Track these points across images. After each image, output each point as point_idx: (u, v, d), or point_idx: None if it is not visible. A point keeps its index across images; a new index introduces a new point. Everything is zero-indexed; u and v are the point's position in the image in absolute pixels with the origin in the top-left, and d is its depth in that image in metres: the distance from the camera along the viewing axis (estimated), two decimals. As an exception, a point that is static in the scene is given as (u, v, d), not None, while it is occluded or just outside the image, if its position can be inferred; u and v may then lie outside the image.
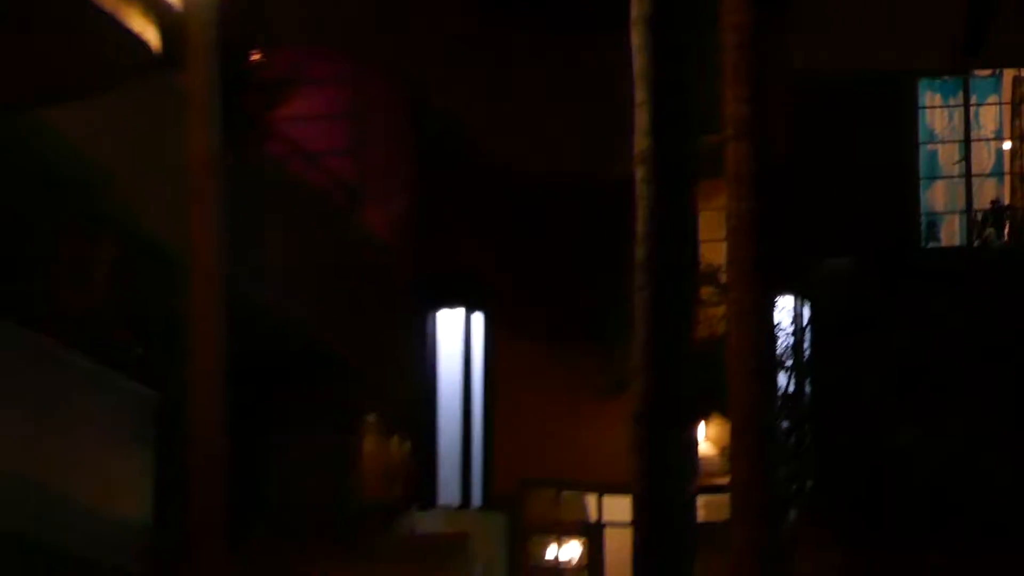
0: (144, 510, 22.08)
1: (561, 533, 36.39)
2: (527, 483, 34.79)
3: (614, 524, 33.85)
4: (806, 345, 25.73)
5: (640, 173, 16.70)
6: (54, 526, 20.18)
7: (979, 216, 30.21)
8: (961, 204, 31.33)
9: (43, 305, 22.17)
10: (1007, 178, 30.90)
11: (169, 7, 19.89)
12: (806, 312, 26.00)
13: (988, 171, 31.71)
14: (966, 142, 30.93)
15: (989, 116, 31.39)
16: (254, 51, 28.43)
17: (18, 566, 19.94)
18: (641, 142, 16.90)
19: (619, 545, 30.79)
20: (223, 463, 19.55)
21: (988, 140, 31.89)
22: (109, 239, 23.96)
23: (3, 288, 21.33)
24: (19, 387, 20.07)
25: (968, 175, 31.59)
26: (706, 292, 21.43)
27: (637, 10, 16.83)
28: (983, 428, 23.06)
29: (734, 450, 19.83)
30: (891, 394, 23.34)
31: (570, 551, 36.71)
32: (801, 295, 25.67)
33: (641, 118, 16.97)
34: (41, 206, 23.31)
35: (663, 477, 16.53)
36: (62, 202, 23.76)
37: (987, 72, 31.33)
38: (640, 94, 16.99)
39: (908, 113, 31.55)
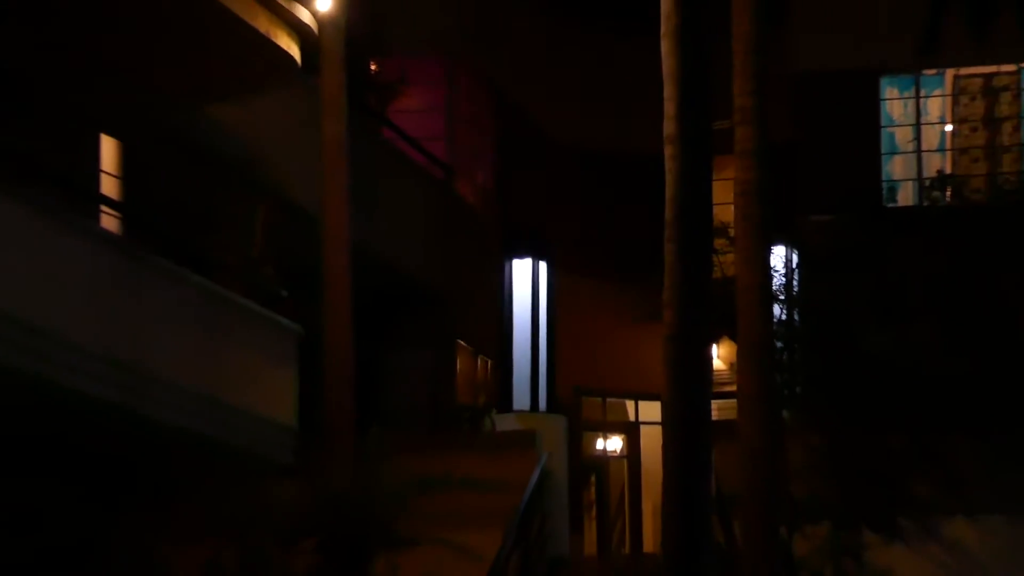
0: (291, 414, 22.47)
1: (607, 430, 36.98)
2: (580, 391, 34.73)
3: (648, 423, 34.43)
4: (795, 282, 25.59)
5: (668, 151, 17.26)
6: (229, 428, 20.83)
7: (927, 183, 30.18)
8: (913, 174, 30.74)
9: (214, 258, 22.68)
10: (948, 154, 30.87)
11: (309, 29, 21.29)
12: (795, 257, 25.95)
13: (935, 148, 31.15)
14: (917, 125, 30.79)
15: (935, 105, 31.22)
16: (372, 60, 29.01)
17: (202, 458, 20.66)
18: (669, 127, 17.47)
19: (651, 439, 31.52)
20: (352, 376, 21.07)
21: (934, 124, 31.61)
22: (265, 206, 24.56)
23: (183, 244, 21.92)
24: (196, 320, 20.74)
25: (919, 151, 31.78)
26: (719, 243, 21.44)
27: (666, 26, 17.15)
28: (935, 338, 22.87)
29: (741, 364, 18.83)
30: (860, 317, 23.16)
31: (614, 444, 37.24)
32: (791, 244, 25.74)
33: (669, 108, 17.47)
34: (213, 180, 23.96)
35: (686, 385, 15.48)
36: (230, 177, 24.27)
37: (933, 71, 30.75)
38: (668, 89, 17.43)
39: (873, 103, 31.62)
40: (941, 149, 31.66)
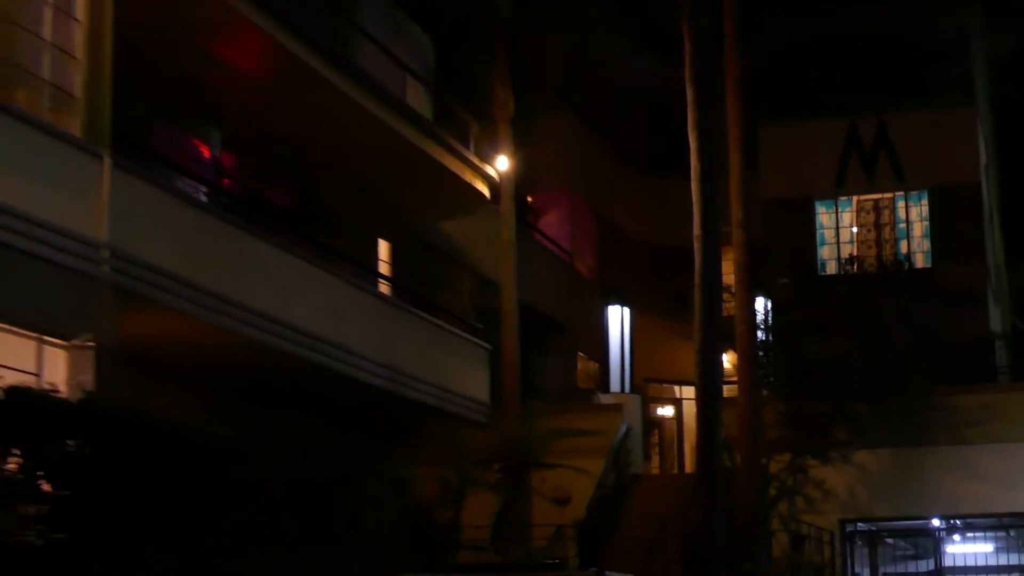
0: (485, 393, 22.75)
1: (663, 403, 34.73)
2: (647, 380, 33.03)
3: (687, 399, 31.34)
4: (769, 318, 24.06)
5: (696, 244, 17.89)
6: (450, 403, 21.38)
7: (843, 261, 28.15)
8: (835, 255, 28.44)
9: (442, 307, 22.63)
10: (855, 244, 28.39)
11: (494, 179, 22.40)
12: (768, 304, 24.24)
13: (846, 240, 28.77)
14: (836, 228, 28.98)
15: (846, 216, 28.93)
16: (528, 194, 28.41)
17: (436, 418, 20.84)
18: (696, 229, 18.26)
19: (689, 408, 28.41)
20: (517, 372, 21.59)
21: (845, 227, 28.58)
22: (470, 277, 25.32)
23: (426, 299, 22.41)
24: (432, 342, 21.09)
25: (838, 242, 28.90)
26: (725, 296, 20.69)
27: (693, 173, 17.32)
28: (847, 347, 21.96)
29: (738, 365, 21.14)
30: (805, 337, 22.66)
31: (667, 411, 35.17)
32: (766, 296, 23.98)
33: (696, 220, 20.46)
34: (441, 263, 24.21)
35: (708, 376, 17.51)
36: (450, 261, 24.84)
37: (845, 196, 28.93)
38: (696, 209, 20.52)
39: (810, 215, 29.64)
40: (850, 241, 30.00)
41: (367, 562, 16.54)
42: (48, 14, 13.09)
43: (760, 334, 23.73)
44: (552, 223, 30.26)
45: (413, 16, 23.67)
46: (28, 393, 9.28)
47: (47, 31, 13.04)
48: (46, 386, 10.68)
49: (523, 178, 25.07)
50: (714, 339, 18.02)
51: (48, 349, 12.47)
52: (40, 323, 12.41)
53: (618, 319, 30.51)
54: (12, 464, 8.56)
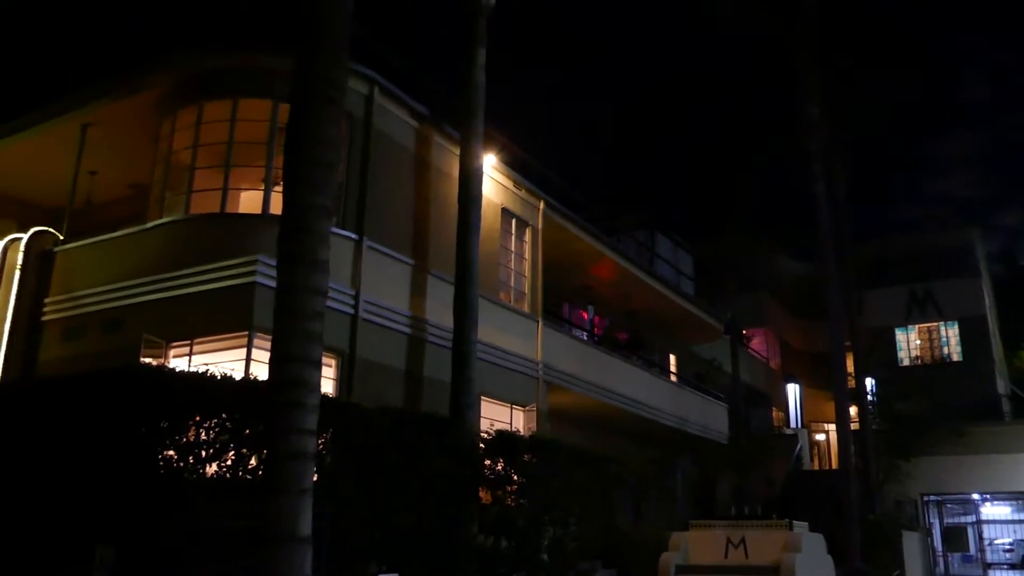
0: (725, 428, 27.03)
1: (819, 432, 37.11)
2: (810, 421, 36.08)
3: (831, 431, 35.00)
4: (874, 388, 28.70)
5: (833, 354, 21.24)
6: (708, 433, 25.49)
7: (912, 358, 36.05)
8: (908, 355, 36.75)
9: (701, 385, 26.32)
10: (918, 349, 36.54)
11: (721, 325, 26.58)
12: (873, 381, 29.30)
13: (914, 347, 36.57)
14: (907, 341, 36.55)
15: (912, 335, 36.24)
16: (744, 329, 31.06)
17: (699, 443, 24.73)
18: (832, 347, 21.36)
19: (831, 436, 33.96)
20: (741, 417, 25.75)
21: (914, 341, 36.18)
22: (716, 370, 28.75)
23: (693, 383, 25.69)
24: (698, 404, 25.63)
25: (908, 349, 36.38)
26: (850, 377, 23.73)
27: (831, 313, 21.13)
28: (920, 404, 27.00)
29: (859, 413, 23.44)
30: (894, 399, 27.84)
31: (820, 437, 36.93)
32: (873, 377, 28.76)
33: (832, 342, 21.36)
34: (697, 365, 28.23)
35: (842, 419, 21.60)
36: (706, 363, 28.92)
37: (911, 325, 35.85)
38: (831, 333, 21.47)
39: (893, 336, 36.57)
40: (915, 348, 35.50)
41: (672, 514, 20.97)
42: (512, 257, 17.46)
43: (870, 397, 27.03)
44: (756, 342, 34.57)
45: (681, 246, 29.46)
46: (507, 433, 12.32)
47: (513, 265, 17.48)
48: (515, 430, 14.40)
49: (736, 321, 29.44)
50: (844, 400, 21.78)
51: (516, 411, 16.06)
52: (512, 399, 16.40)
53: (793, 390, 34.57)
54: (499, 466, 11.71)
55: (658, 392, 22.49)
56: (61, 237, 13.29)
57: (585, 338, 20.71)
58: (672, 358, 27.16)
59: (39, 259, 13.09)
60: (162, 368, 8.15)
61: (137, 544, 7.42)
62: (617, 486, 15.39)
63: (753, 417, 30.37)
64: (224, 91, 12.20)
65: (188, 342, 10.37)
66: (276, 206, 11.47)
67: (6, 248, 13.29)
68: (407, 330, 13.10)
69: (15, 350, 12.47)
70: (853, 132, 25.53)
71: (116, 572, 7.34)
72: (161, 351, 10.21)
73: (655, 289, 23.54)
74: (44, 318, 12.70)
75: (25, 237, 13.11)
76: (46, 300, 12.85)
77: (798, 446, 30.48)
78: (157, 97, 12.87)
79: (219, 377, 8.07)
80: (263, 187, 12.24)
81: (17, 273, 13.02)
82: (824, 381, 28.11)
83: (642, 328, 24.50)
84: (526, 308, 17.21)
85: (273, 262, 10.60)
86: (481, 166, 13.31)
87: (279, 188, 11.91)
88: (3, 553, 8.50)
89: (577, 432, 17.25)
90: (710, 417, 25.54)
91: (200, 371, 8.07)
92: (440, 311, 13.18)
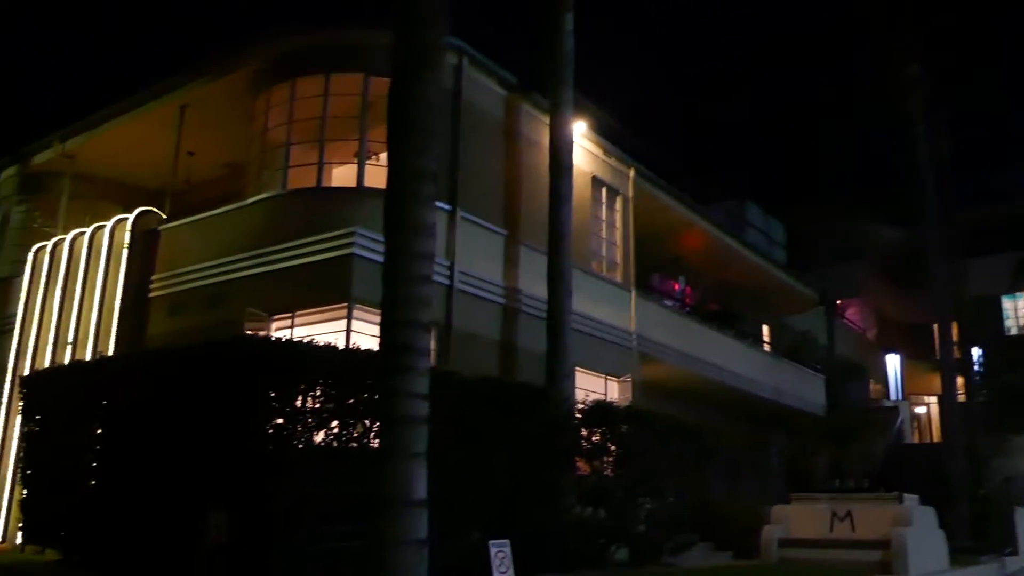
0: (822, 400, 26.22)
1: (919, 406, 36.06)
2: (910, 393, 34.76)
3: (932, 404, 34.55)
4: (982, 359, 26.84)
5: (937, 323, 20.77)
6: (805, 406, 24.71)
7: (1020, 328, 34.65)
8: (1015, 325, 35.61)
9: (796, 356, 25.71)
10: None
11: (816, 294, 25.91)
12: (981, 351, 27.86)
13: (1021, 316, 34.95)
14: (1015, 309, 35.98)
15: (1020, 303, 35.45)
16: (838, 300, 30.53)
17: (795, 415, 24.24)
18: (937, 315, 20.81)
19: (932, 409, 33.96)
20: (836, 389, 25.30)
21: (1021, 309, 34.87)
22: (812, 342, 27.97)
23: (788, 354, 25.20)
24: (794, 375, 25.13)
25: (1016, 317, 36.07)
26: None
27: (932, 288, 20.70)
28: None
29: (965, 385, 22.15)
30: (1002, 370, 27.13)
31: (921, 410, 35.69)
32: (980, 347, 27.57)
33: (935, 307, 20.81)
34: (785, 334, 27.33)
35: (949, 390, 20.93)
36: (800, 335, 27.88)
37: (1019, 292, 34.96)
38: (934, 299, 20.74)
39: (999, 304, 36.22)
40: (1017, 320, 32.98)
41: (766, 488, 20.44)
42: (605, 227, 17.29)
43: (976, 368, 25.93)
44: (851, 313, 33.67)
45: (772, 214, 28.92)
46: (604, 403, 12.29)
47: (604, 234, 17.35)
48: (610, 400, 14.22)
49: (834, 292, 29.06)
50: (951, 370, 21.32)
51: (610, 382, 16.10)
52: (607, 370, 16.35)
53: (892, 362, 33.77)
54: (596, 437, 11.56)
55: (753, 363, 22.24)
56: (164, 216, 13.68)
57: (677, 309, 20.94)
58: (765, 329, 26.88)
59: (144, 238, 13.56)
60: (271, 338, 8.23)
61: (249, 509, 7.58)
62: (712, 459, 15.32)
63: (849, 390, 29.68)
64: (316, 67, 12.53)
65: (289, 315, 10.66)
66: (370, 179, 11.81)
67: (113, 228, 13.80)
68: (500, 301, 13.20)
69: (125, 326, 12.96)
70: (956, 93, 24.82)
71: (228, 537, 7.51)
72: (264, 324, 10.43)
73: (748, 259, 23.31)
74: (151, 295, 13.12)
75: (131, 217, 13.62)
76: (152, 277, 13.30)
77: (899, 419, 29.75)
78: (250, 76, 13.27)
79: (324, 347, 8.22)
80: (356, 161, 12.43)
81: (125, 252, 13.51)
82: (923, 352, 28.07)
83: (734, 299, 24.22)
84: (618, 278, 17.18)
85: (370, 234, 10.68)
86: (571, 135, 13.20)
87: (372, 161, 12.00)
88: (119, 518, 8.94)
89: (668, 405, 16.99)
90: (806, 389, 25.21)
91: (306, 341, 8.15)
92: (532, 282, 13.07)
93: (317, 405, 8.01)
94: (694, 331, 19.53)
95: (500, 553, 6.89)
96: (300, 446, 7.93)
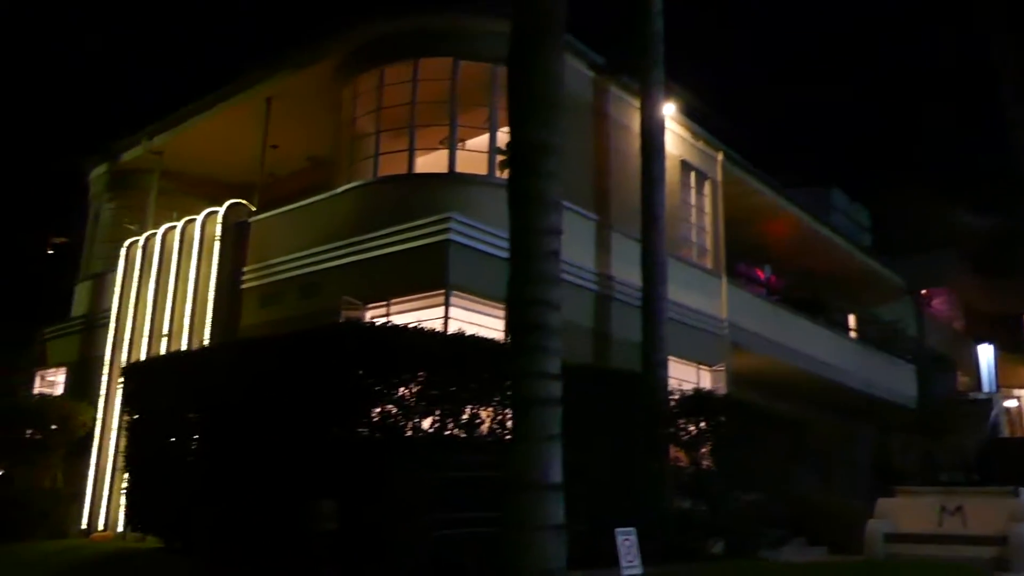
0: (913, 392, 26.15)
1: (1010, 399, 34.83)
2: (999, 386, 33.27)
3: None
4: None
5: None
6: (896, 398, 24.42)
7: None
8: None
9: (887, 346, 24.78)
10: None
11: (903, 283, 24.98)
12: None
13: None
14: None
15: None
16: (924, 289, 29.90)
17: (885, 407, 23.73)
18: None
19: None
20: (926, 381, 24.62)
21: None
22: (901, 332, 27.15)
23: (878, 344, 24.31)
24: (884, 365, 24.39)
25: None
26: None
27: None
28: None
29: None
30: None
31: (1011, 403, 34.85)
32: None
33: None
34: (868, 323, 26.60)
35: None
36: (889, 325, 27.13)
37: None
38: None
39: None
40: None
41: (854, 482, 20.25)
42: (694, 212, 17.05)
43: None
44: (937, 303, 33.15)
45: (858, 201, 28.40)
46: (703, 392, 12.27)
47: (693, 220, 17.07)
48: (707, 389, 13.47)
49: (920, 281, 28.49)
50: None
51: (703, 371, 15.89)
52: (699, 359, 16.04)
53: (985, 353, 32.57)
54: (693, 427, 11.47)
55: (843, 353, 21.70)
56: (253, 209, 13.84)
57: (765, 296, 20.68)
58: (851, 319, 26.28)
59: (235, 230, 13.69)
60: (378, 324, 8.11)
61: (358, 496, 7.54)
62: (809, 451, 15.22)
63: (937, 381, 29.20)
64: (404, 53, 12.53)
65: (384, 303, 10.74)
66: (462, 164, 11.94)
67: (205, 221, 14.03)
68: (594, 287, 12.96)
69: (219, 317, 13.22)
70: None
71: (339, 524, 7.44)
72: (359, 312, 10.36)
73: (837, 246, 22.82)
74: (242, 286, 13.26)
75: (222, 210, 13.76)
76: (243, 268, 13.45)
77: (993, 411, 28.74)
78: (336, 65, 13.35)
79: (429, 332, 8.30)
80: (440, 148, 12.60)
81: (217, 244, 13.67)
82: (1012, 343, 27.57)
83: (819, 288, 23.78)
84: (709, 264, 16.90)
85: (465, 219, 10.40)
86: (663, 116, 13.08)
87: (461, 148, 12.26)
88: (222, 505, 8.99)
89: (756, 395, 16.92)
90: (897, 380, 24.61)
91: (411, 327, 8.18)
92: (624, 268, 12.87)
93: (422, 391, 8.18)
94: (784, 319, 19.17)
95: (627, 540, 6.59)
96: (409, 434, 8.01)
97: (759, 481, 12.03)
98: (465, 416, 8.26)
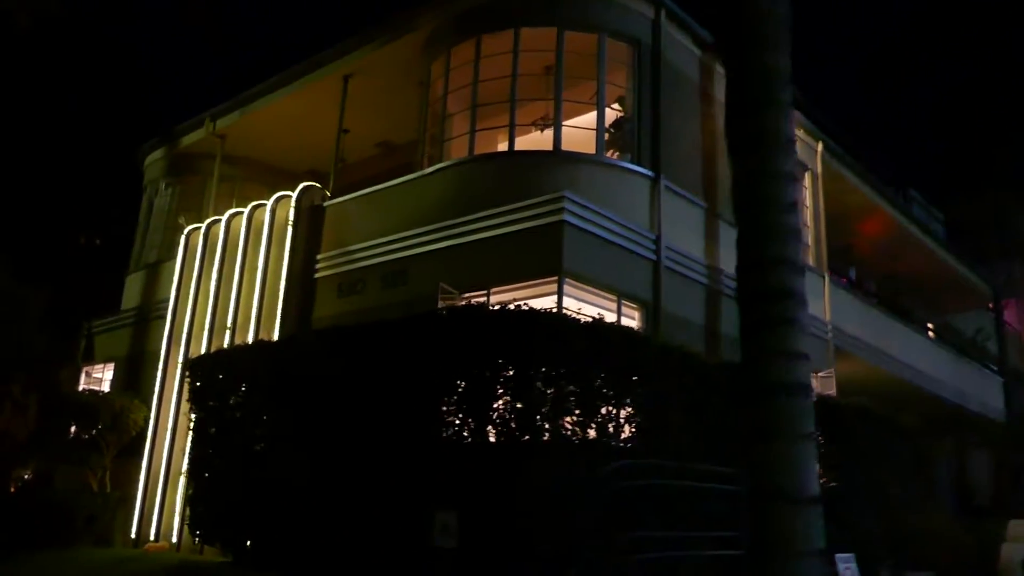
0: (1000, 405, 24.52)
1: None
2: None
3: None
4: None
5: None
6: (987, 412, 23.00)
7: None
8: None
9: (973, 355, 22.96)
10: None
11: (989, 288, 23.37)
12: None
13: None
14: None
15: None
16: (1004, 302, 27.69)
17: (972, 421, 22.42)
18: None
19: None
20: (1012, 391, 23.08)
21: None
22: (981, 343, 25.79)
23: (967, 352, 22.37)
24: (974, 376, 23.17)
25: None
26: None
27: None
28: None
29: None
30: None
31: None
32: None
33: None
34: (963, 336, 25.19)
35: None
36: (967, 334, 26.06)
37: None
38: None
39: None
40: None
41: (940, 499, 18.36)
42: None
43: None
44: (1008, 314, 30.62)
45: (935, 205, 26.62)
46: (828, 400, 11.32)
47: None
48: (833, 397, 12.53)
49: (999, 282, 26.68)
50: None
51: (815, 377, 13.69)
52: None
53: None
54: (820, 438, 9.49)
55: (939, 362, 20.68)
56: (328, 193, 13.15)
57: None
58: (930, 327, 24.62)
59: (309, 215, 12.83)
60: (501, 307, 7.63)
61: (482, 507, 6.81)
62: (933, 466, 14.42)
63: (1020, 395, 27.43)
64: (503, 22, 11.67)
65: (483, 291, 9.88)
66: (568, 142, 11.18)
67: (275, 206, 13.17)
68: (704, 280, 12.17)
69: (291, 308, 12.32)
70: None
71: (461, 539, 6.74)
72: (455, 301, 9.39)
73: (927, 250, 21.82)
74: (316, 275, 12.43)
75: (294, 194, 12.95)
76: (318, 256, 12.68)
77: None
78: (425, 37, 12.58)
79: (565, 317, 7.55)
80: (538, 128, 12.06)
81: (289, 230, 12.74)
82: None
83: (901, 293, 23.03)
84: (810, 261, 15.85)
85: (579, 199, 9.81)
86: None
87: (567, 123, 11.36)
88: (305, 515, 8.26)
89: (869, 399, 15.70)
90: (987, 392, 23.58)
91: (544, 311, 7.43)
92: (732, 261, 11.51)
93: (557, 389, 7.36)
94: (883, 324, 18.39)
95: (848, 569, 5.22)
96: (546, 437, 7.13)
97: (882, 499, 11.53)
98: (606, 415, 7.59)
